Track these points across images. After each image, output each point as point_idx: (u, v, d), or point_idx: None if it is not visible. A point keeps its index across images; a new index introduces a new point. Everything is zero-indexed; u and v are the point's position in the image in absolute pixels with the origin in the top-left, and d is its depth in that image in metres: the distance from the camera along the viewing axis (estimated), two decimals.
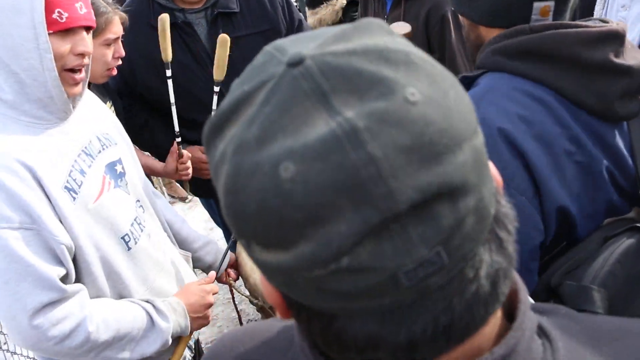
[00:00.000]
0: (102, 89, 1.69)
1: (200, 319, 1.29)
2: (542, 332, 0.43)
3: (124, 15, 1.54)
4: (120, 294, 1.16)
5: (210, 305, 1.32)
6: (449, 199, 0.32)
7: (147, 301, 1.17)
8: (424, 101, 0.33)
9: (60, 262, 1.02)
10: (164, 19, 1.55)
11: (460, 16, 1.05)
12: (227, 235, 2.31)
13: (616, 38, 0.89)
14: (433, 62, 0.37)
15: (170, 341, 1.19)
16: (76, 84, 1.07)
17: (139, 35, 1.76)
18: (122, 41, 1.55)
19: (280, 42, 0.39)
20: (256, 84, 0.36)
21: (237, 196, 0.35)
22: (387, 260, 0.33)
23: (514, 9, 0.92)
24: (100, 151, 1.17)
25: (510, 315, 0.42)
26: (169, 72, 1.66)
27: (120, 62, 1.56)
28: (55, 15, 0.97)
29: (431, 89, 0.34)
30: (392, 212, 0.31)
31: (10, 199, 0.94)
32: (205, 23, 1.80)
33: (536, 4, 0.91)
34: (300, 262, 0.34)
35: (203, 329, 1.80)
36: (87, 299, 1.07)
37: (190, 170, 1.82)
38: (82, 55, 1.04)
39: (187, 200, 3.76)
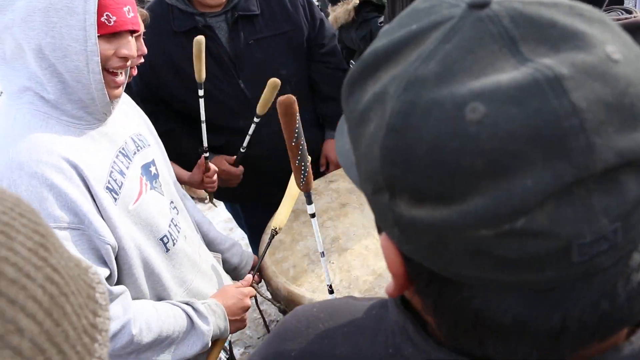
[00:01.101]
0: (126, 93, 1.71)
1: (237, 321, 1.30)
2: None
3: (145, 12, 1.55)
4: (159, 295, 1.17)
5: (247, 308, 1.33)
6: (637, 170, 0.30)
7: (187, 303, 1.18)
8: (624, 61, 0.31)
9: (104, 263, 1.03)
10: (200, 40, 1.56)
11: None
12: (252, 238, 2.32)
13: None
14: (620, 28, 0.35)
15: (210, 344, 1.20)
16: (117, 86, 1.08)
17: (159, 40, 1.77)
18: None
19: None
20: (427, 24, 0.34)
21: (404, 135, 0.32)
22: (566, 228, 0.30)
23: None
24: (135, 152, 1.19)
25: None
26: (201, 92, 1.68)
27: (142, 60, 1.56)
28: (103, 19, 0.98)
29: (626, 50, 0.32)
30: (587, 172, 0.29)
31: (58, 198, 0.95)
32: (226, 26, 1.81)
33: None
34: (466, 219, 0.30)
35: None
36: (131, 301, 1.08)
37: (215, 184, 1.83)
38: (125, 58, 1.05)
39: (206, 201, 3.78)
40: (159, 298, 1.18)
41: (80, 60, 0.97)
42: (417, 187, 0.32)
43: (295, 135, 1.04)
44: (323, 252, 1.23)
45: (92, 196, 1.00)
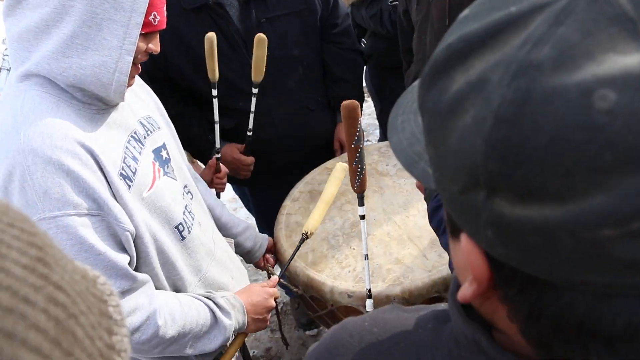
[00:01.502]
0: None
1: (260, 321, 1.27)
2: None
3: None
4: (175, 285, 1.15)
5: (272, 309, 1.30)
6: None
7: (207, 297, 1.16)
8: None
9: (124, 250, 1.00)
10: (211, 38, 1.51)
11: None
12: (259, 222, 2.29)
13: None
14: None
15: (231, 338, 1.18)
16: (134, 76, 1.05)
17: (168, 17, 1.71)
18: None
19: None
20: (530, 6, 0.31)
21: (518, 126, 0.29)
22: None
23: None
24: (145, 137, 1.14)
25: None
26: (215, 92, 1.63)
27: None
28: (151, 18, 0.96)
29: None
30: None
31: (76, 184, 0.91)
32: (237, 4, 1.74)
33: None
34: (587, 218, 0.28)
35: None
36: (155, 291, 1.05)
37: (225, 186, 1.80)
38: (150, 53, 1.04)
39: None
40: (174, 287, 1.15)
41: (111, 56, 0.93)
42: (528, 183, 0.29)
43: (356, 138, 1.05)
44: (367, 255, 1.21)
45: (108, 182, 0.97)
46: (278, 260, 1.62)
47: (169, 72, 1.81)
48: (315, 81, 1.92)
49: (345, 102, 1.04)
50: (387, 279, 1.34)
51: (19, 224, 0.30)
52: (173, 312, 1.06)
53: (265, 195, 2.10)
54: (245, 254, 1.60)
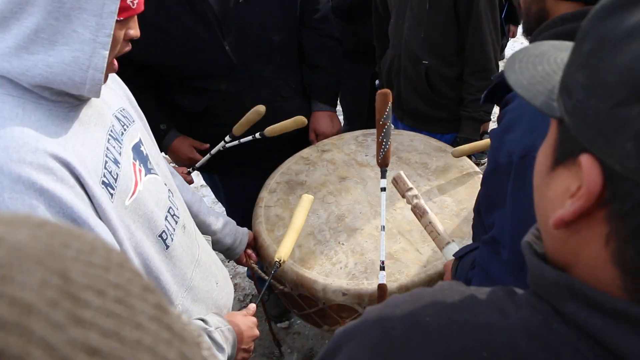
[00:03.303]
0: None
1: (245, 351, 1.20)
2: None
3: None
4: None
5: (256, 338, 1.23)
6: None
7: (204, 329, 1.06)
8: None
9: None
10: (260, 111, 1.55)
11: None
12: (230, 213, 2.20)
13: None
14: None
15: None
16: (113, 70, 0.93)
17: None
18: None
19: None
20: None
21: None
22: None
23: None
24: (123, 132, 1.02)
25: None
26: (228, 140, 1.70)
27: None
28: (129, 1, 0.84)
29: None
30: None
31: (51, 204, 0.79)
32: None
33: None
34: None
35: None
36: None
37: (192, 180, 1.74)
38: (129, 40, 0.92)
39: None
40: None
41: (83, 51, 0.80)
42: None
43: (385, 116, 1.21)
44: (384, 227, 1.24)
45: (88, 197, 0.85)
46: (259, 255, 1.55)
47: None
48: (290, 67, 1.84)
49: (381, 91, 1.23)
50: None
51: (124, 263, 0.26)
52: None
53: (236, 184, 2.01)
54: (225, 250, 1.51)
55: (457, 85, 1.95)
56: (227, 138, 1.70)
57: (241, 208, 1.91)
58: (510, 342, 0.42)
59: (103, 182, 0.88)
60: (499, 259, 0.86)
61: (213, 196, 3.22)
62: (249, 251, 1.56)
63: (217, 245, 1.49)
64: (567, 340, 0.40)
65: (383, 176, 1.23)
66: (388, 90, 1.24)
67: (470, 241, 1.34)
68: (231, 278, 2.71)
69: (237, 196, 2.06)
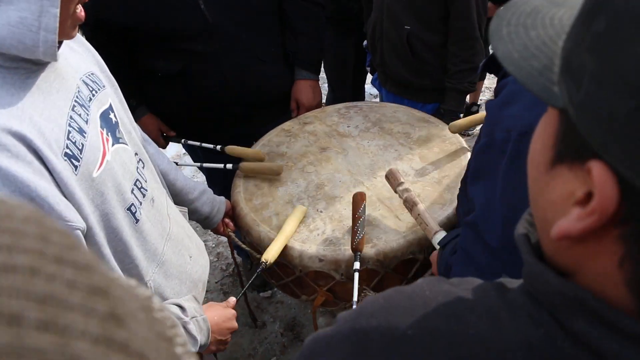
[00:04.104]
0: None
1: (221, 342, 1.17)
2: None
3: None
4: (130, 275, 1.00)
5: (234, 330, 1.21)
6: None
7: (179, 317, 1.03)
8: None
9: None
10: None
11: None
12: (210, 180, 2.17)
13: None
14: None
15: None
16: (77, 26, 0.85)
17: None
18: None
19: None
20: None
21: None
22: None
23: None
24: (91, 99, 0.95)
25: None
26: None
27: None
28: None
29: None
30: None
31: (5, 183, 0.73)
32: None
33: None
34: None
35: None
36: None
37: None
38: None
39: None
40: (131, 278, 1.01)
41: (31, 10, 0.73)
42: None
43: (360, 211, 1.29)
44: (356, 302, 1.20)
45: (49, 171, 0.79)
46: (237, 225, 1.53)
47: (100, 15, 1.60)
48: (270, 31, 1.79)
49: (356, 195, 1.32)
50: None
51: (67, 254, 0.20)
52: None
53: (216, 150, 1.97)
54: (202, 220, 1.49)
55: (441, 54, 1.91)
56: (219, 147, 1.69)
57: (220, 175, 1.89)
58: None
59: (66, 154, 0.83)
60: (483, 243, 0.82)
61: (190, 168, 3.19)
62: (227, 220, 1.54)
63: (194, 215, 1.47)
64: None
65: (356, 259, 1.23)
66: (363, 193, 1.33)
67: (451, 208, 1.34)
68: (214, 247, 2.73)
69: (217, 162, 2.03)
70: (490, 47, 0.91)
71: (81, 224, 0.83)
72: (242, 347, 2.20)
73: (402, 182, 1.29)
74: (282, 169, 1.55)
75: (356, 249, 1.24)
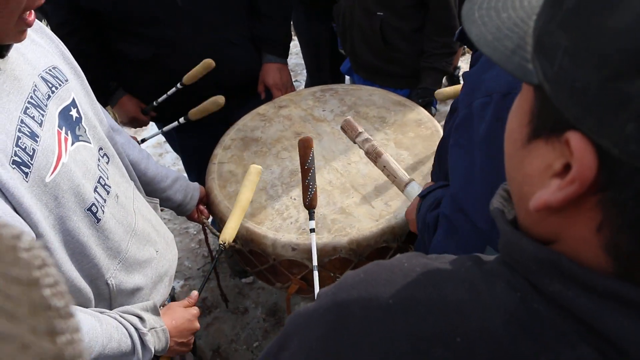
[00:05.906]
0: None
1: (184, 345, 1.15)
2: None
3: None
4: (89, 273, 0.98)
5: (196, 331, 1.18)
6: None
7: (136, 328, 1.01)
8: None
9: None
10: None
11: None
12: (186, 163, 2.15)
13: None
14: None
15: None
16: (26, 29, 0.80)
17: None
18: None
19: None
20: None
21: None
22: None
23: None
24: (49, 96, 0.91)
25: None
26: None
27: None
28: None
29: None
30: None
31: None
32: None
33: None
34: None
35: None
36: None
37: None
38: None
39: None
40: (90, 277, 0.98)
41: None
42: None
43: (308, 162, 1.22)
44: (317, 266, 1.19)
45: None
46: (211, 211, 1.52)
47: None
48: (239, 14, 1.76)
49: (302, 139, 1.23)
50: (333, 230, 1.28)
51: None
52: (93, 337, 0.91)
53: (190, 135, 1.95)
54: (176, 207, 1.47)
55: (414, 39, 1.88)
56: (179, 85, 1.68)
57: (196, 159, 1.86)
58: (486, 326, 0.37)
59: (14, 162, 0.79)
60: (465, 215, 0.81)
61: (171, 155, 3.16)
62: (201, 207, 1.52)
63: (167, 203, 1.45)
64: (550, 322, 0.36)
65: (311, 218, 1.20)
66: (309, 137, 1.23)
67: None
68: (196, 234, 2.71)
69: (192, 147, 2.02)
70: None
71: (28, 232, 0.80)
72: (224, 333, 2.20)
73: (360, 132, 1.18)
74: (222, 99, 1.62)
75: (310, 205, 1.19)
